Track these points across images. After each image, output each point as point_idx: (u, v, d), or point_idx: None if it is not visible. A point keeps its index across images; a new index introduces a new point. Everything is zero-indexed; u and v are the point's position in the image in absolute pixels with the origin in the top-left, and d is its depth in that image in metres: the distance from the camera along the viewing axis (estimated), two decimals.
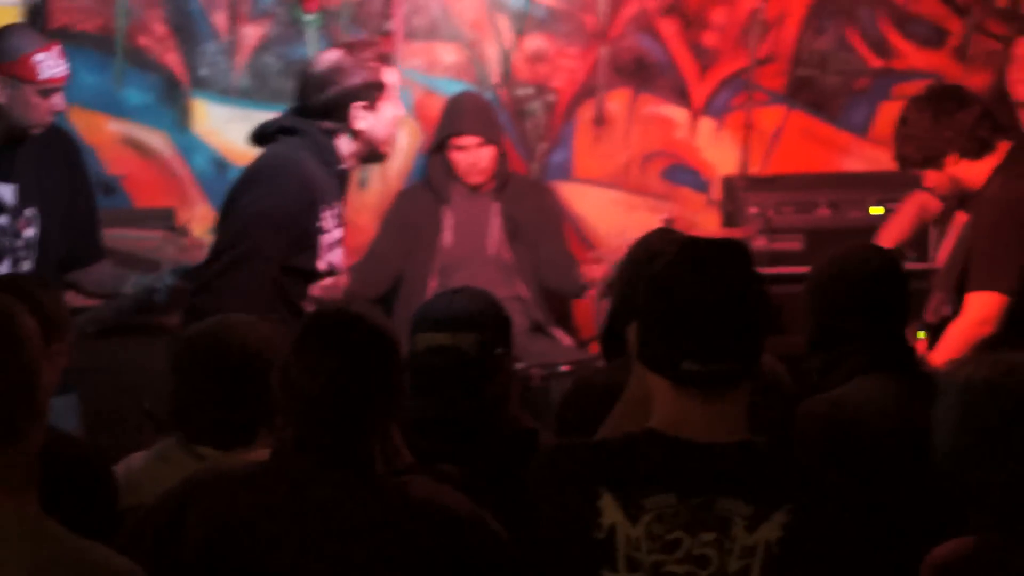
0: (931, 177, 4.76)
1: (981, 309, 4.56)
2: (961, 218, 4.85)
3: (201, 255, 4.77)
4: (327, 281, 4.42)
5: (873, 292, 3.66)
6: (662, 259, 2.75)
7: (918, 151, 4.69)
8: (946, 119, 4.66)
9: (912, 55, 6.81)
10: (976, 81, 6.37)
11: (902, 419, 3.50)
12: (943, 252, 4.86)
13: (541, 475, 2.73)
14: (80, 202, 4.65)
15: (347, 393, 2.87)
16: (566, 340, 6.06)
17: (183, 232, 4.90)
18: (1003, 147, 4.71)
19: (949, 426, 2.90)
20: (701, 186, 6.74)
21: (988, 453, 2.85)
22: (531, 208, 6.05)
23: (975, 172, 4.69)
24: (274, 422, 3.21)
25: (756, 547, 2.59)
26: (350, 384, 2.87)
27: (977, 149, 4.68)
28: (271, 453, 2.93)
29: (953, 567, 2.82)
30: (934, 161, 4.68)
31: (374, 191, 6.48)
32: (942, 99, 4.73)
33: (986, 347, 4.47)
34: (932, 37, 6.81)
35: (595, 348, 5.82)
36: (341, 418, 2.87)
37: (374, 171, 6.45)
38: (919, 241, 5.76)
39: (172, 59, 6.36)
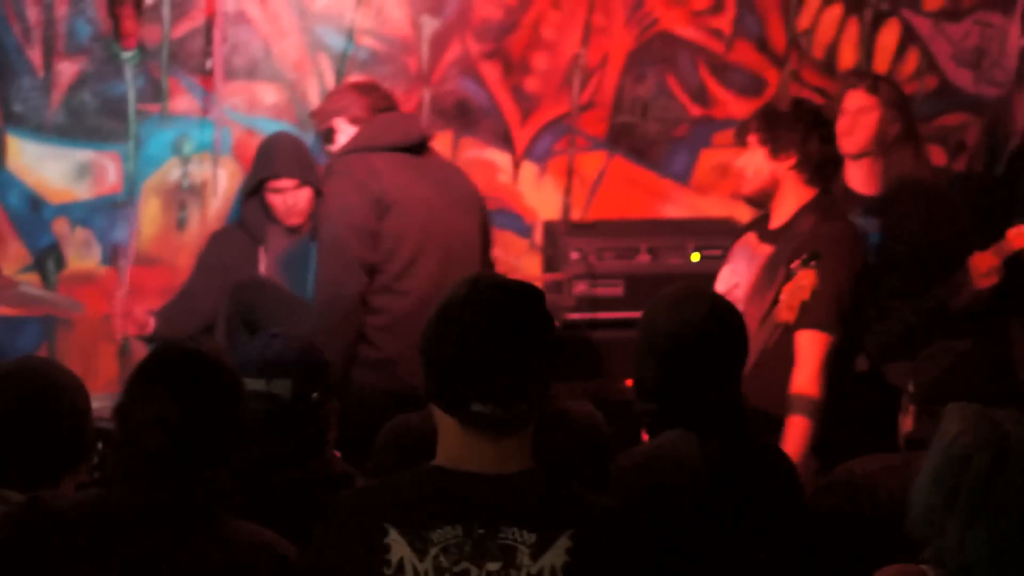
0: (755, 159, 4.84)
1: (819, 349, 4.62)
2: (761, 248, 4.89)
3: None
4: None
5: (707, 346, 3.61)
6: (448, 299, 2.75)
7: (774, 129, 4.79)
8: (811, 127, 4.80)
9: (731, 104, 6.90)
10: None
11: (718, 475, 3.49)
12: (746, 279, 4.88)
13: (330, 519, 2.73)
14: None
15: (182, 440, 2.88)
16: None
17: None
18: (812, 191, 4.79)
19: (926, 480, 2.92)
20: (523, 230, 6.75)
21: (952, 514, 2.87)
22: None
23: (790, 193, 4.77)
24: (80, 462, 3.20)
25: (542, 574, 2.60)
26: (185, 431, 2.87)
27: (810, 175, 4.78)
28: (105, 493, 2.92)
29: None
30: (780, 147, 4.79)
31: (192, 232, 6.38)
32: (824, 118, 4.92)
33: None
34: (750, 86, 6.91)
35: None
36: (174, 463, 2.87)
37: (193, 212, 6.37)
38: None
39: None
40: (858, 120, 5.51)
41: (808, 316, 4.64)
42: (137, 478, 2.89)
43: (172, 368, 2.94)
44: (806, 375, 4.61)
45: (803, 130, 4.80)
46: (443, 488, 2.68)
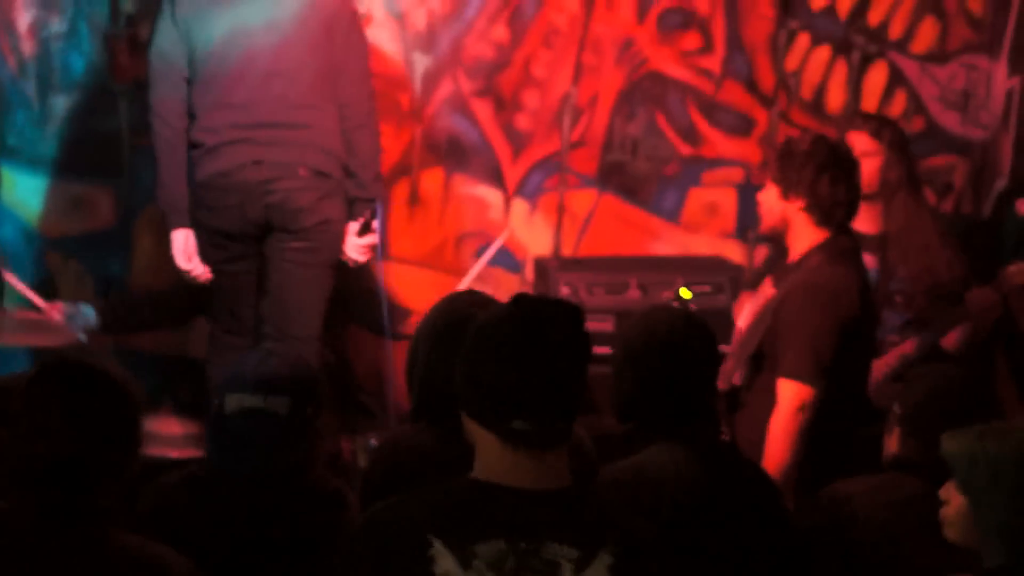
0: (769, 197, 4.83)
1: (793, 399, 4.59)
2: (767, 290, 4.91)
3: None
4: None
5: (680, 362, 3.68)
6: (489, 315, 2.77)
7: (785, 170, 4.76)
8: (822, 168, 4.76)
9: (720, 143, 6.95)
10: None
11: (699, 488, 3.53)
12: (746, 318, 4.92)
13: (371, 528, 2.73)
14: None
15: (67, 453, 2.87)
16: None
17: None
18: (824, 232, 4.80)
19: (991, 502, 3.00)
20: (514, 267, 6.78)
21: None
22: None
23: (802, 234, 4.77)
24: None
25: None
26: (71, 444, 2.86)
27: (820, 217, 4.76)
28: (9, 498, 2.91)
29: None
30: (789, 187, 4.76)
31: None
32: (841, 157, 4.84)
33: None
34: (739, 126, 6.96)
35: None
36: (60, 475, 2.86)
37: None
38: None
39: None
40: (861, 163, 5.53)
41: (786, 365, 4.62)
42: (24, 489, 2.88)
43: (60, 381, 2.93)
44: (778, 430, 4.58)
45: (814, 171, 4.74)
46: (485, 502, 2.70)
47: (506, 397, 2.69)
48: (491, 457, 2.73)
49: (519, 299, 2.77)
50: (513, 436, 2.70)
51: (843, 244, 4.82)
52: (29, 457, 2.86)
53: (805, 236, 4.79)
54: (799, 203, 4.76)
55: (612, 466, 3.57)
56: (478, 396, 2.73)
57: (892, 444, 3.80)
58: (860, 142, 5.57)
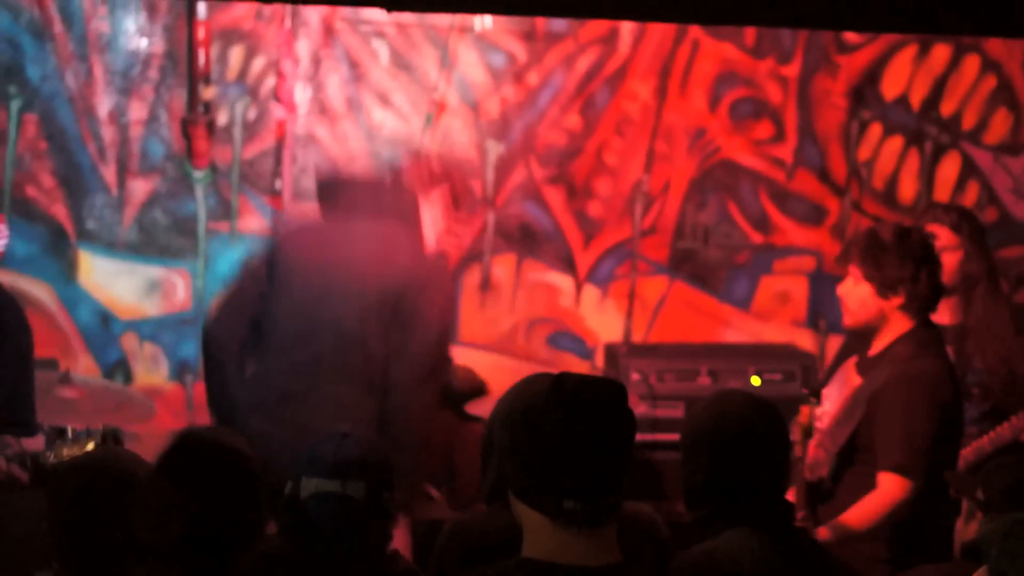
0: (862, 293, 4.77)
1: (898, 493, 4.56)
2: (853, 378, 4.86)
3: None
4: None
5: (752, 447, 3.66)
6: (531, 397, 2.77)
7: (881, 267, 4.71)
8: (920, 264, 4.72)
9: (792, 231, 6.95)
10: None
11: (772, 573, 3.51)
12: (831, 410, 4.85)
13: None
14: None
15: (199, 528, 2.90)
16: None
17: (66, 379, 4.85)
18: (912, 322, 4.77)
19: None
20: (585, 353, 6.80)
21: None
22: None
23: (893, 325, 4.74)
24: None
25: None
26: (203, 520, 2.89)
27: (916, 311, 4.75)
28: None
29: None
30: (887, 287, 4.71)
31: None
32: (931, 249, 4.81)
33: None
34: (811, 215, 6.97)
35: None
36: (193, 548, 2.89)
37: None
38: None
39: (59, 211, 6.35)
40: (941, 258, 5.50)
41: (891, 458, 4.58)
42: (158, 568, 2.92)
43: (191, 458, 2.97)
44: (867, 509, 4.55)
45: (912, 268, 4.71)
46: None
47: (554, 479, 2.70)
48: (541, 536, 2.73)
49: (562, 378, 2.77)
50: (563, 516, 2.70)
51: (930, 333, 4.80)
52: (162, 531, 2.89)
53: (895, 327, 4.77)
54: (897, 300, 4.74)
55: (687, 552, 3.55)
56: (526, 477, 2.73)
57: (969, 531, 3.76)
58: (940, 235, 5.52)
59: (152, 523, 2.92)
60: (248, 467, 3.00)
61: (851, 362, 4.91)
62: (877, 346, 4.81)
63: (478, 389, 5.86)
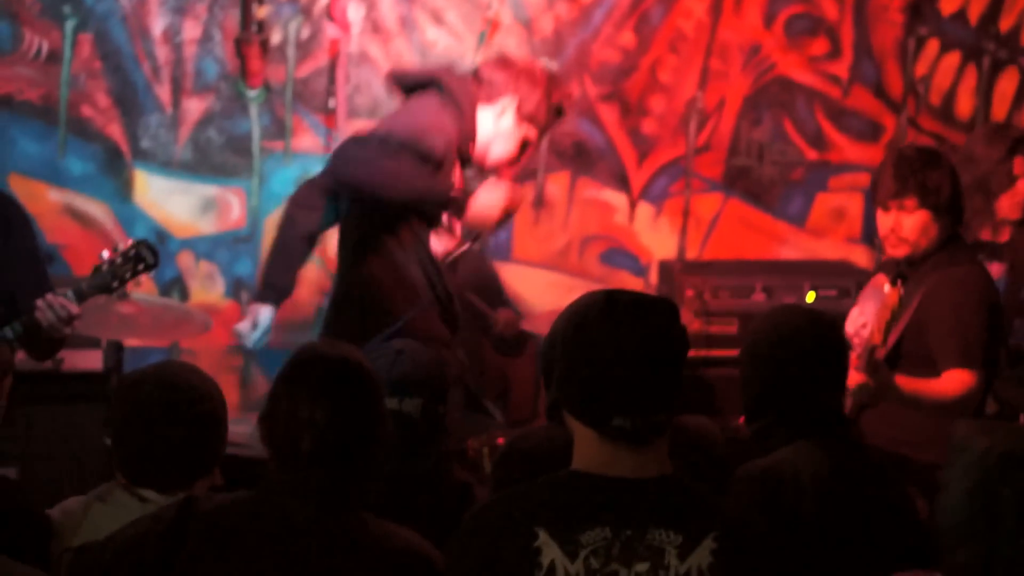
0: (919, 223, 4.75)
1: (964, 386, 4.59)
2: (889, 291, 4.85)
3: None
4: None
5: (810, 360, 3.67)
6: (582, 315, 2.77)
7: (939, 192, 4.72)
8: (959, 185, 4.78)
9: (847, 148, 6.92)
10: None
11: (833, 486, 3.52)
12: (873, 320, 4.85)
13: (477, 524, 2.75)
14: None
15: (329, 441, 2.93)
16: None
17: (123, 295, 4.88)
18: (945, 234, 4.78)
19: (957, 495, 2.90)
20: (639, 270, 6.80)
21: (991, 527, 2.84)
22: None
23: (928, 238, 4.75)
24: (214, 467, 3.27)
25: (689, 573, 2.63)
26: (332, 433, 2.91)
27: (952, 223, 4.76)
28: (256, 495, 2.96)
29: None
30: (944, 209, 4.72)
31: (312, 267, 6.43)
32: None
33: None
34: (867, 131, 6.93)
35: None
36: (323, 465, 2.92)
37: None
38: None
39: (115, 130, 6.38)
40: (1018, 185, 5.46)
41: (953, 356, 4.60)
42: (288, 481, 2.94)
43: (316, 371, 2.98)
44: (942, 386, 4.59)
45: (955, 185, 4.76)
46: (588, 492, 2.70)
47: (604, 395, 2.70)
48: (591, 450, 2.75)
49: (614, 295, 2.77)
50: (614, 433, 2.71)
51: (963, 243, 4.88)
52: (290, 448, 2.92)
53: (929, 240, 4.78)
54: (947, 218, 4.75)
55: (749, 464, 3.57)
56: (577, 393, 2.74)
57: None
58: None
59: (280, 437, 2.93)
60: (372, 380, 3.00)
61: (880, 277, 4.91)
62: (911, 257, 4.81)
63: (519, 339, 5.83)
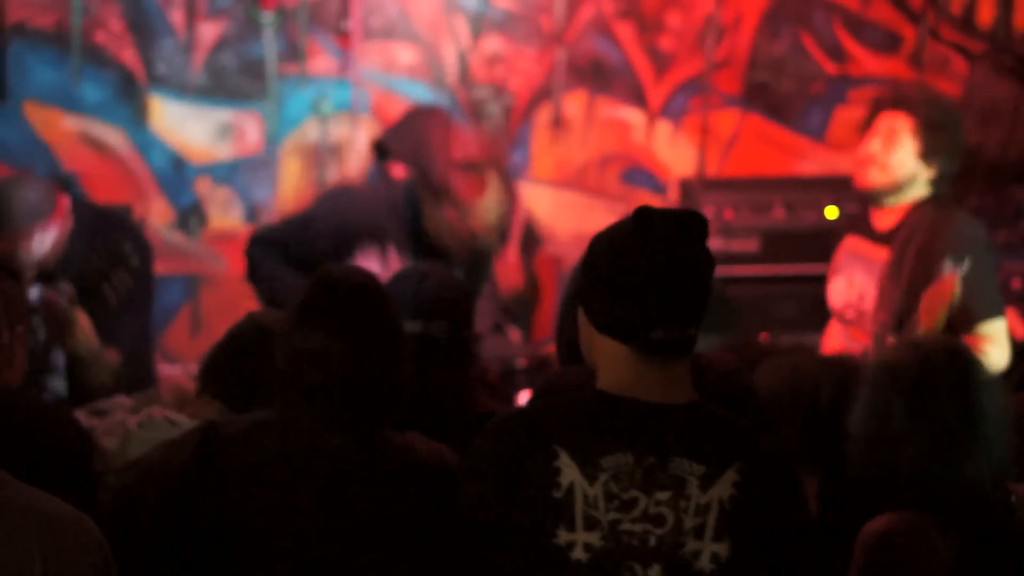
0: (902, 152, 4.63)
1: (998, 335, 4.51)
2: (876, 252, 4.77)
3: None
4: None
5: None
6: (614, 231, 2.75)
7: (936, 135, 4.62)
8: (962, 145, 4.70)
9: (867, 61, 6.86)
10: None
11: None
12: (871, 286, 4.76)
13: (503, 429, 2.71)
14: None
15: (344, 375, 2.91)
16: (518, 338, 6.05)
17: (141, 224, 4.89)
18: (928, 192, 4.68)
19: (859, 410, 3.08)
20: (658, 188, 6.77)
21: (890, 432, 3.01)
22: None
23: (912, 194, 4.64)
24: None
25: (710, 505, 2.61)
26: (347, 366, 2.90)
27: (938, 188, 4.66)
28: (275, 417, 2.96)
29: (883, 542, 2.94)
30: (934, 153, 4.61)
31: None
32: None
33: None
34: (886, 43, 6.86)
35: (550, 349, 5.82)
36: (337, 397, 2.91)
37: (332, 171, 6.47)
38: None
39: (129, 56, 6.34)
40: None
41: (978, 310, 4.48)
42: (313, 408, 2.92)
43: (333, 300, 2.96)
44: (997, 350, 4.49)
45: (957, 150, 4.66)
46: (613, 414, 2.67)
47: (641, 308, 2.66)
48: (618, 369, 2.70)
49: (644, 212, 2.74)
50: (650, 347, 2.68)
51: (947, 201, 4.70)
52: (304, 378, 2.91)
53: (911, 196, 4.64)
54: (932, 171, 4.62)
55: (772, 362, 3.59)
56: (614, 310, 2.71)
57: None
58: None
59: (296, 368, 2.92)
60: (389, 305, 2.98)
61: (856, 241, 4.81)
62: (886, 217, 4.69)
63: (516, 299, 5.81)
